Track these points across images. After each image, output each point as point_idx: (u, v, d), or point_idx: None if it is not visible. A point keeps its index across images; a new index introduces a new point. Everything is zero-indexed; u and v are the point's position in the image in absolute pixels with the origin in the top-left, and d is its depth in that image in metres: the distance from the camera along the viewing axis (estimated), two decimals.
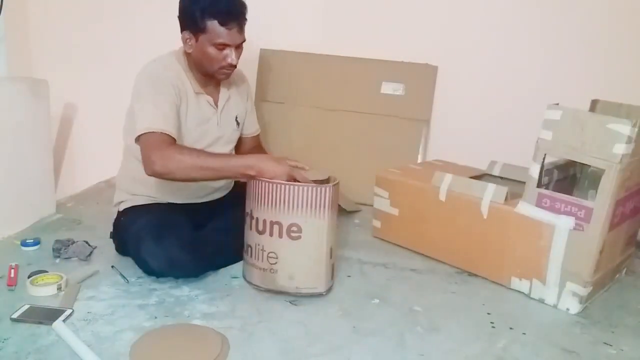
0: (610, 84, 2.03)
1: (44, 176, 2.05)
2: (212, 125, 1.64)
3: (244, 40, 1.56)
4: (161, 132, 1.43)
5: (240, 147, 1.83)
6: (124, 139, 1.66)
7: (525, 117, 1.88)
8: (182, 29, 1.55)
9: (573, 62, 2.12)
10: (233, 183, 1.81)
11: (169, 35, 2.44)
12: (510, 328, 1.40)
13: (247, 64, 2.35)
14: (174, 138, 1.45)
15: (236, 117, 1.73)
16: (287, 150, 2.33)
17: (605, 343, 1.35)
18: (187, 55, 1.58)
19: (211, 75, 1.59)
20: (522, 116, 2.06)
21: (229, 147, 1.73)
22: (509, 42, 2.18)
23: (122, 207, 1.67)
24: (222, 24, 1.48)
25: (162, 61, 1.58)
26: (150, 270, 1.52)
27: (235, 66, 1.56)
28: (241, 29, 1.53)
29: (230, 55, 1.52)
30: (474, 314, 1.47)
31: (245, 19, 1.55)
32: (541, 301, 1.54)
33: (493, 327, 1.40)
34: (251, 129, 1.84)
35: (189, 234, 1.53)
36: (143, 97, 1.49)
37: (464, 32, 2.22)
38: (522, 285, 1.58)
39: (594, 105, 1.76)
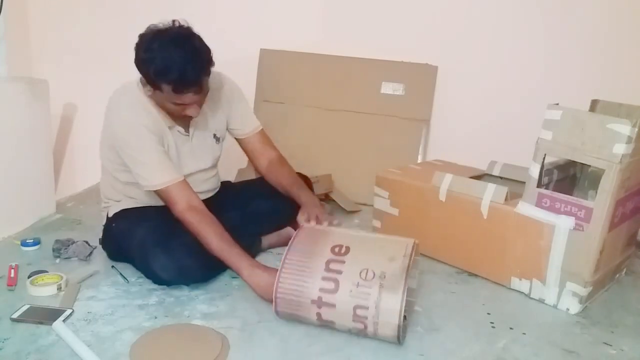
0: (610, 84, 2.03)
1: (44, 176, 2.05)
2: (186, 151, 1.61)
3: (206, 93, 1.49)
4: (170, 185, 1.49)
5: (249, 155, 1.78)
6: (100, 156, 1.64)
7: (525, 117, 1.88)
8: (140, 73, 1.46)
9: (573, 62, 2.12)
10: (220, 185, 1.79)
11: None
12: (510, 328, 1.40)
13: (247, 64, 2.36)
14: (182, 180, 1.51)
15: (214, 134, 1.68)
16: (287, 150, 2.32)
17: (605, 343, 1.35)
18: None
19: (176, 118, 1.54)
20: (522, 116, 2.06)
21: (208, 165, 1.68)
22: (509, 42, 2.19)
23: (110, 213, 1.65)
24: (175, 91, 1.40)
25: (129, 99, 1.51)
26: (161, 281, 1.50)
27: (197, 116, 1.51)
28: (201, 89, 1.43)
29: (189, 109, 1.46)
30: (474, 314, 1.47)
31: (208, 73, 1.44)
32: (541, 301, 1.54)
33: (493, 327, 1.40)
34: (247, 128, 1.74)
35: (194, 239, 1.48)
36: (134, 155, 1.49)
37: (464, 32, 2.22)
38: (522, 285, 1.58)
39: (594, 105, 1.76)
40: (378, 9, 2.28)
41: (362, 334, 1.28)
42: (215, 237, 1.46)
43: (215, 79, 1.63)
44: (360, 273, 1.26)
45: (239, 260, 1.45)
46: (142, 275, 1.56)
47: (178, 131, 1.59)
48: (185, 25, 1.44)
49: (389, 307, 1.22)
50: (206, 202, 1.66)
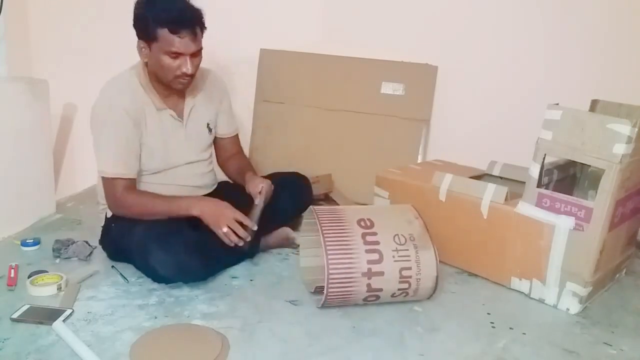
0: (610, 84, 2.02)
1: (44, 176, 2.05)
2: (179, 138, 1.62)
3: (200, 48, 1.51)
4: (113, 178, 1.52)
5: (218, 146, 1.83)
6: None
7: (525, 117, 1.88)
8: (137, 37, 1.51)
9: (573, 62, 2.12)
10: (216, 183, 1.80)
11: None
12: (510, 328, 1.40)
13: (247, 64, 2.36)
14: (127, 179, 1.53)
15: (207, 124, 1.71)
16: (287, 150, 2.33)
17: (605, 343, 1.35)
18: (146, 65, 1.55)
19: (167, 85, 1.55)
20: (522, 116, 2.06)
21: (205, 155, 1.72)
22: (509, 42, 2.18)
23: (109, 213, 1.64)
24: (172, 32, 1.43)
25: (118, 82, 1.55)
26: (160, 278, 1.50)
27: (191, 75, 1.52)
28: (195, 37, 1.47)
29: (184, 64, 1.48)
30: (474, 314, 1.47)
31: (201, 26, 1.50)
32: (541, 301, 1.54)
33: (493, 327, 1.40)
34: (225, 130, 1.79)
35: (193, 237, 1.50)
36: (97, 135, 1.53)
37: (464, 32, 2.22)
38: (522, 285, 1.58)
39: (594, 105, 1.76)
40: (378, 9, 2.28)
41: (403, 294, 1.44)
42: (159, 200, 1.54)
43: (210, 75, 1.71)
44: (394, 238, 1.42)
45: (187, 202, 1.53)
46: (142, 275, 1.56)
47: (170, 115, 1.60)
48: None
49: (427, 261, 1.43)
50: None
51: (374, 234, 1.42)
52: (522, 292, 1.58)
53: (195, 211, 1.50)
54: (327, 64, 2.34)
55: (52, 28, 2.50)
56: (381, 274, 1.38)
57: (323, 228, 1.40)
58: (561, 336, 1.38)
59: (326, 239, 1.38)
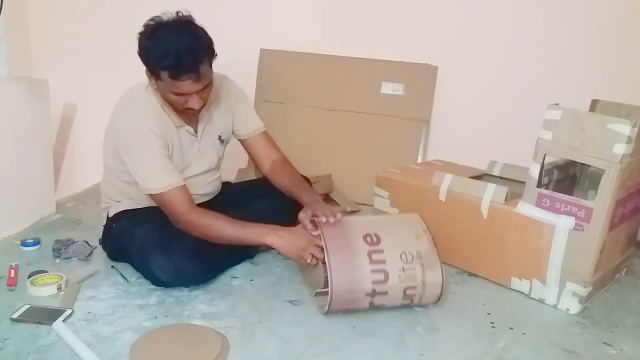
0: (610, 84, 2.02)
1: (44, 176, 2.05)
2: (194, 152, 1.61)
3: (208, 83, 1.46)
4: (170, 189, 1.47)
5: (249, 151, 1.77)
6: (103, 155, 1.64)
7: (525, 117, 1.88)
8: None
9: (573, 62, 2.12)
10: (221, 187, 1.79)
11: None
12: (510, 328, 1.40)
13: (247, 64, 2.36)
14: (181, 186, 1.49)
15: (219, 136, 1.68)
16: (287, 150, 2.32)
17: (605, 343, 1.35)
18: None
19: (181, 112, 1.53)
20: (522, 116, 2.06)
21: (213, 166, 1.69)
22: (509, 42, 2.18)
23: (110, 213, 1.64)
24: (172, 77, 1.39)
25: (139, 104, 1.52)
26: (160, 282, 1.50)
27: (201, 109, 1.49)
28: (198, 78, 1.40)
29: (191, 101, 1.44)
30: (474, 314, 1.47)
31: (209, 61, 1.44)
32: (541, 301, 1.54)
33: (493, 327, 1.40)
34: (249, 129, 1.73)
35: (194, 241, 1.49)
36: (134, 158, 1.49)
37: (464, 32, 2.22)
38: (522, 285, 1.58)
39: (594, 105, 1.76)
40: (378, 9, 2.28)
41: (404, 305, 1.43)
42: (227, 225, 1.48)
43: (221, 82, 1.65)
44: (401, 257, 1.38)
45: (260, 231, 1.48)
46: (142, 275, 1.56)
47: (187, 131, 1.59)
48: (188, 15, 1.46)
49: (433, 280, 1.39)
50: (206, 203, 1.66)
51: (381, 251, 1.37)
52: (522, 292, 1.58)
53: (269, 241, 1.46)
54: (327, 64, 2.34)
55: (52, 28, 2.50)
56: (385, 293, 1.37)
57: (328, 244, 1.37)
58: (561, 336, 1.38)
59: (331, 258, 1.34)
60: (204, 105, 1.50)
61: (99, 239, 1.70)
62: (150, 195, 1.50)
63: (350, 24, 2.34)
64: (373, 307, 1.40)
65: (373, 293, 1.36)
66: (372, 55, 2.29)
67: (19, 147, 1.89)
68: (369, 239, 1.39)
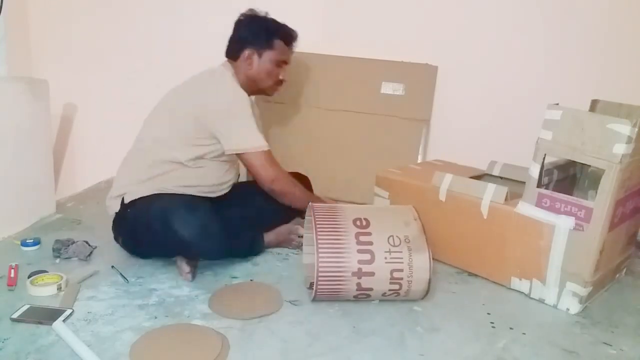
0: (610, 84, 2.03)
1: (44, 176, 2.05)
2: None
3: None
4: (268, 150, 1.66)
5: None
6: (146, 138, 1.68)
7: (525, 117, 1.88)
8: (244, 47, 1.73)
9: (573, 62, 2.12)
10: (233, 183, 1.81)
11: (169, 35, 2.44)
12: (510, 328, 1.40)
13: None
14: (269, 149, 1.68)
15: None
16: (287, 150, 2.33)
17: (605, 343, 1.35)
18: (244, 75, 1.74)
19: (262, 91, 1.80)
20: (522, 116, 2.06)
21: None
22: (509, 42, 2.19)
23: (127, 199, 1.62)
24: (287, 43, 1.77)
25: (229, 81, 1.68)
26: (180, 242, 1.48)
27: (288, 78, 1.81)
28: (293, 51, 1.80)
29: (283, 72, 1.78)
30: (474, 314, 1.47)
31: None
32: (541, 301, 1.54)
33: (493, 327, 1.40)
34: None
35: (213, 209, 1.58)
36: (236, 121, 1.63)
37: (464, 32, 2.22)
38: (522, 285, 1.58)
39: (594, 105, 1.76)
40: (378, 9, 2.28)
41: (394, 294, 1.44)
42: (306, 195, 1.74)
43: None
44: (388, 240, 1.42)
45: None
46: (142, 275, 1.56)
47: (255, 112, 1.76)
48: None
49: (420, 264, 1.42)
50: (211, 199, 1.69)
51: (368, 234, 1.42)
52: (522, 292, 1.58)
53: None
54: (327, 64, 2.34)
55: (52, 28, 2.50)
56: (371, 274, 1.40)
57: (317, 225, 1.42)
58: (561, 336, 1.38)
59: (319, 237, 1.40)
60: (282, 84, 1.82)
61: (112, 228, 1.69)
62: (245, 156, 1.64)
63: (350, 24, 2.34)
64: (362, 291, 1.42)
65: (359, 272, 1.39)
66: (372, 55, 2.29)
67: (19, 147, 1.89)
68: (358, 222, 1.45)
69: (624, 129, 1.33)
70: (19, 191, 1.89)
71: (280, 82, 1.80)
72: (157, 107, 1.71)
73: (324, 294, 1.42)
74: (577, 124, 1.41)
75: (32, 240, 1.74)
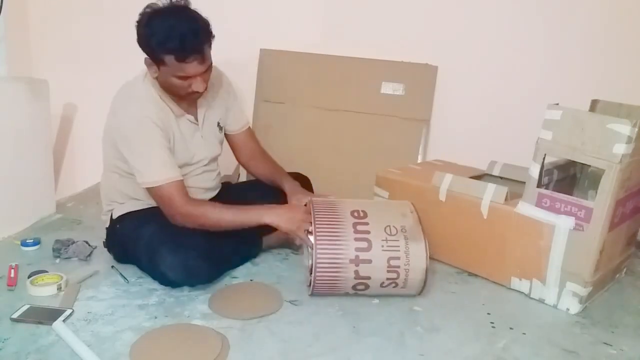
0: (610, 84, 2.02)
1: (44, 176, 2.05)
2: (197, 140, 1.62)
3: (209, 65, 1.48)
4: (168, 182, 1.47)
5: (234, 147, 1.81)
6: (102, 154, 1.63)
7: (525, 117, 1.88)
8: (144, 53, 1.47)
9: (573, 62, 2.12)
10: (221, 185, 1.80)
11: None
12: (510, 328, 1.40)
13: (247, 64, 2.36)
14: (178, 181, 1.49)
15: (218, 123, 1.70)
16: (287, 150, 2.32)
17: (605, 343, 1.35)
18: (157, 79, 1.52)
19: (182, 98, 1.53)
20: (522, 116, 2.06)
21: (217, 153, 1.72)
22: (509, 42, 2.18)
23: (115, 215, 1.63)
24: (179, 59, 1.40)
25: (137, 95, 1.51)
26: (167, 282, 1.49)
27: (204, 91, 1.50)
28: (203, 58, 1.43)
29: (195, 84, 1.46)
30: (474, 314, 1.47)
31: (209, 42, 1.45)
32: (541, 301, 1.54)
33: (493, 327, 1.40)
34: (235, 125, 1.77)
35: (201, 239, 1.49)
36: (133, 150, 1.48)
37: (464, 32, 2.22)
38: (522, 285, 1.58)
39: (594, 105, 1.76)
40: (378, 9, 2.28)
41: (392, 284, 1.46)
42: (224, 210, 1.51)
43: (216, 72, 1.66)
44: (385, 229, 1.45)
45: (257, 212, 1.51)
46: (142, 275, 1.56)
47: (188, 119, 1.59)
48: (182, 1, 1.47)
49: (417, 252, 1.44)
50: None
51: (366, 223, 1.46)
52: (522, 292, 1.58)
53: (267, 219, 1.48)
54: (327, 64, 2.34)
55: (52, 28, 2.50)
56: (369, 261, 1.42)
57: (316, 217, 1.46)
58: (561, 336, 1.38)
59: (317, 226, 1.43)
60: (206, 89, 1.51)
61: (103, 242, 1.69)
62: (148, 189, 1.50)
63: (350, 24, 2.34)
64: (360, 280, 1.43)
65: (357, 260, 1.42)
66: (372, 55, 2.29)
67: (19, 147, 1.89)
68: (356, 213, 1.48)
69: (624, 129, 1.33)
70: (19, 191, 1.89)
71: (195, 93, 1.49)
72: (105, 122, 1.60)
73: (322, 283, 1.43)
74: (577, 124, 1.41)
75: (32, 240, 1.74)
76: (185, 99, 1.54)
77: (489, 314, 1.47)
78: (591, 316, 1.48)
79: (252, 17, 2.39)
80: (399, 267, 1.43)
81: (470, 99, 2.27)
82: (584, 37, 2.09)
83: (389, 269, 1.43)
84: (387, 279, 1.44)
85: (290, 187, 1.72)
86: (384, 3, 2.27)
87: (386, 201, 1.77)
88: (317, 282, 1.42)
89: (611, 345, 1.34)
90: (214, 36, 1.47)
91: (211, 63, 1.49)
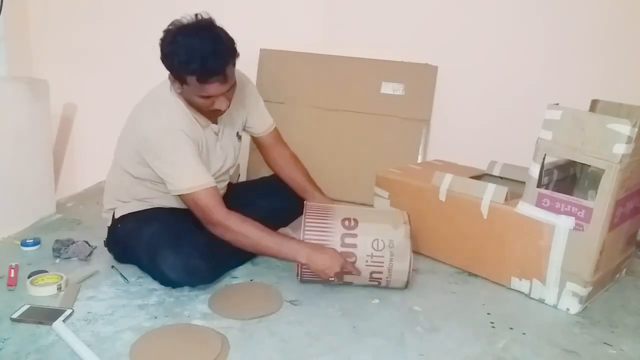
0: (610, 84, 2.03)
1: (44, 176, 2.05)
2: (217, 151, 1.61)
3: (233, 84, 1.46)
4: (205, 188, 1.45)
5: (262, 150, 1.81)
6: (115, 153, 1.63)
7: (525, 117, 1.88)
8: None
9: (573, 62, 2.12)
10: (226, 188, 1.78)
11: None
12: (510, 328, 1.40)
13: (247, 64, 2.35)
14: (214, 187, 1.48)
15: (237, 133, 1.69)
16: None
17: (605, 343, 1.35)
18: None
19: (206, 114, 1.53)
20: (522, 116, 2.06)
21: (232, 163, 1.69)
22: (509, 42, 2.19)
23: (117, 214, 1.63)
24: (200, 81, 1.38)
25: (165, 106, 1.50)
26: (168, 281, 1.49)
27: (227, 109, 1.49)
28: (225, 79, 1.41)
29: (218, 102, 1.44)
30: (474, 314, 1.47)
31: (231, 65, 1.43)
32: (541, 301, 1.54)
33: (493, 327, 1.40)
34: (264, 126, 1.76)
35: (203, 239, 1.49)
36: (167, 158, 1.46)
37: (464, 32, 2.22)
38: (522, 285, 1.58)
39: (594, 105, 1.76)
40: (378, 9, 2.28)
41: (375, 284, 1.52)
42: (266, 235, 1.47)
43: (240, 81, 1.63)
44: (372, 244, 1.47)
45: (295, 247, 1.46)
46: (142, 275, 1.56)
47: (212, 130, 1.58)
48: (207, 17, 1.45)
49: (400, 269, 1.48)
50: None
51: (354, 235, 1.48)
52: (522, 292, 1.58)
53: (302, 259, 1.44)
54: (327, 64, 2.34)
55: (52, 28, 2.50)
56: (351, 272, 1.47)
57: (306, 225, 1.49)
58: (561, 336, 1.38)
59: (305, 236, 1.47)
60: (229, 106, 1.49)
61: (104, 241, 1.69)
62: (182, 196, 1.48)
63: (350, 24, 2.34)
64: (343, 283, 1.52)
65: (340, 272, 1.45)
66: (372, 55, 2.29)
67: (19, 147, 1.89)
68: (347, 222, 1.49)
69: (624, 129, 1.33)
70: (19, 191, 1.89)
71: (217, 111, 1.49)
72: (125, 125, 1.59)
73: (307, 280, 1.53)
74: (577, 124, 1.41)
75: (32, 240, 1.74)
76: (210, 116, 1.53)
77: (489, 314, 1.47)
78: (591, 316, 1.48)
79: (252, 17, 2.40)
80: (380, 279, 1.51)
81: (470, 99, 2.27)
82: (584, 37, 2.09)
83: (370, 280, 1.51)
84: (369, 285, 1.53)
85: (319, 201, 1.70)
86: (384, 3, 2.27)
87: (381, 209, 1.72)
88: (304, 274, 1.51)
89: (611, 345, 1.34)
90: (238, 54, 1.45)
91: (235, 81, 1.47)
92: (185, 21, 1.41)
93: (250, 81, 1.75)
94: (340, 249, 1.45)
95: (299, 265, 1.46)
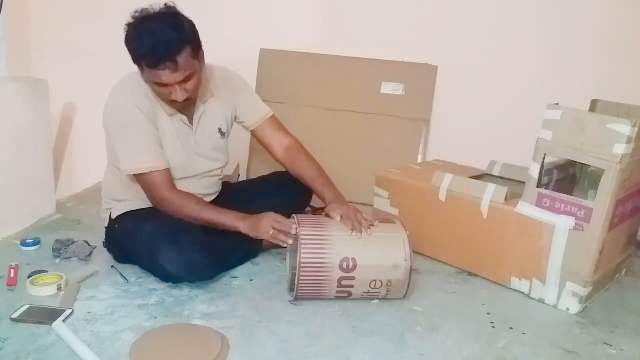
0: (610, 84, 2.02)
1: (44, 176, 2.05)
2: (190, 144, 1.60)
3: (191, 73, 1.43)
4: (150, 172, 1.49)
5: (265, 144, 1.75)
6: (107, 151, 1.63)
7: (525, 117, 1.88)
8: None
9: (573, 62, 2.12)
10: (221, 187, 1.78)
11: None
12: (510, 328, 1.40)
13: (247, 64, 2.36)
14: (164, 170, 1.51)
15: (219, 129, 1.66)
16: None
17: (605, 343, 1.35)
18: None
19: (168, 104, 1.51)
20: (522, 116, 2.06)
21: (217, 163, 1.68)
22: (509, 42, 2.18)
23: (114, 215, 1.63)
24: (150, 67, 1.39)
25: (129, 84, 1.51)
26: (168, 277, 1.49)
27: (187, 101, 1.48)
28: (176, 68, 1.38)
29: (174, 92, 1.43)
30: (474, 314, 1.47)
31: (191, 50, 1.41)
32: (541, 301, 1.54)
33: (493, 327, 1.40)
34: (256, 117, 1.71)
35: (202, 236, 1.49)
36: (117, 136, 1.50)
37: (464, 32, 2.22)
38: (522, 285, 1.58)
39: (594, 105, 1.76)
40: (378, 9, 2.28)
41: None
42: (206, 207, 1.53)
43: (220, 73, 1.64)
44: (370, 284, 1.43)
45: (234, 216, 1.50)
46: (142, 275, 1.56)
47: (181, 120, 1.57)
48: (171, 5, 1.45)
49: (397, 295, 1.48)
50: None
51: (352, 278, 1.41)
52: (522, 292, 1.58)
53: (240, 226, 1.47)
54: (327, 64, 2.34)
55: (52, 28, 2.50)
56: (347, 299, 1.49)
57: (301, 266, 1.38)
58: (561, 336, 1.38)
59: (300, 277, 1.39)
60: (189, 98, 1.48)
61: (103, 242, 1.69)
62: (133, 177, 1.51)
63: (350, 24, 2.34)
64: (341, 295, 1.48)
65: (336, 299, 1.48)
66: (372, 55, 2.29)
67: (19, 147, 1.89)
68: (345, 264, 1.40)
69: (624, 129, 1.33)
70: (19, 191, 1.89)
71: (176, 102, 1.46)
72: None
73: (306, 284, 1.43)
74: (577, 124, 1.41)
75: (32, 240, 1.74)
76: (172, 106, 1.51)
77: (489, 314, 1.47)
78: (591, 316, 1.48)
79: (252, 17, 2.40)
80: (377, 299, 1.50)
81: (470, 99, 2.27)
82: (583, 37, 2.09)
83: (366, 298, 1.50)
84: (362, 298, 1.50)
85: (331, 197, 1.61)
86: (384, 3, 2.27)
87: (385, 240, 1.47)
88: (300, 283, 1.40)
89: (611, 345, 1.34)
90: (199, 47, 1.45)
91: (194, 72, 1.44)
92: (152, 10, 1.43)
93: (236, 74, 1.71)
94: (337, 289, 1.42)
95: (296, 287, 1.41)
